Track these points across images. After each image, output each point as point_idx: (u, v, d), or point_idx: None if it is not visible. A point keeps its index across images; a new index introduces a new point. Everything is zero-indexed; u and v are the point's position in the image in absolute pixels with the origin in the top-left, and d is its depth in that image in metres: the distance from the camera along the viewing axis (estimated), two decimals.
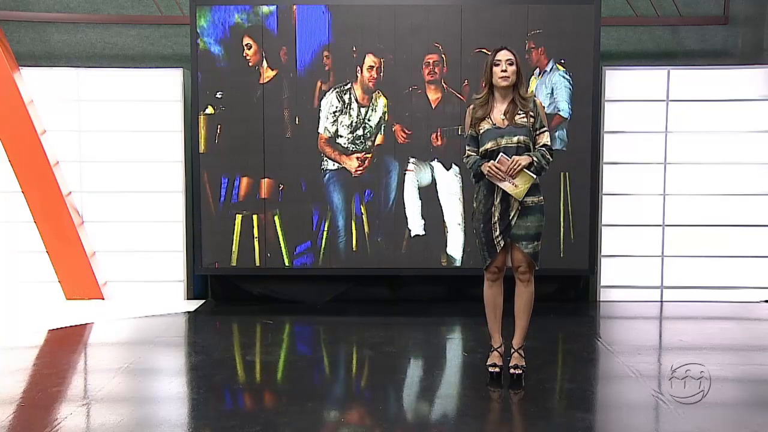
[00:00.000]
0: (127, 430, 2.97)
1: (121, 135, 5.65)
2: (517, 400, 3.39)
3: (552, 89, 5.29)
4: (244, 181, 5.41)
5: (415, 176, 5.40)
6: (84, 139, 5.66)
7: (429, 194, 5.42)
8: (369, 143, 5.37)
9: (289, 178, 5.40)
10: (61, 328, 4.84)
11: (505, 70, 3.45)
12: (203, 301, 5.74)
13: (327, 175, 5.40)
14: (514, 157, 3.41)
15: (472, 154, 3.57)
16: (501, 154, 3.42)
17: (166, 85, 5.65)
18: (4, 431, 2.96)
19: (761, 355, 4.23)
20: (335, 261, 5.46)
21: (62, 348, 4.47)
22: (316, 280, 5.61)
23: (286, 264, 5.43)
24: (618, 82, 5.63)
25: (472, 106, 3.60)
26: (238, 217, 5.40)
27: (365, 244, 5.45)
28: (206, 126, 5.36)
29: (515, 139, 3.46)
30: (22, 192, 5.63)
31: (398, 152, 5.38)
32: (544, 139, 3.52)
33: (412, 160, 5.38)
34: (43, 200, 5.60)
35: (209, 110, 5.31)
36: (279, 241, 5.43)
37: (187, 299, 5.76)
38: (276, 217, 5.42)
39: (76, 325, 4.92)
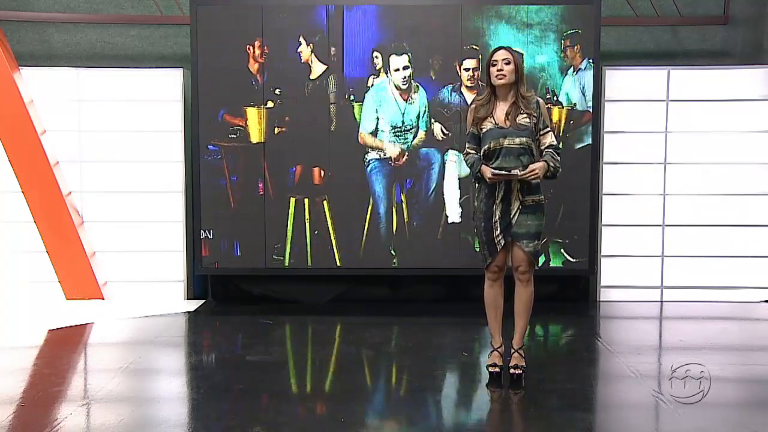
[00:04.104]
0: (127, 430, 2.97)
1: (121, 135, 5.65)
2: (517, 400, 3.39)
3: (583, 86, 5.31)
4: (299, 168, 5.45)
5: (457, 166, 5.41)
6: (84, 139, 5.66)
7: (468, 184, 5.40)
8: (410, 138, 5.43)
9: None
10: (61, 328, 4.84)
11: (501, 69, 3.47)
12: (203, 301, 5.74)
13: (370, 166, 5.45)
14: (531, 166, 3.42)
15: (472, 152, 3.60)
16: (492, 172, 3.43)
17: (166, 85, 5.65)
18: (4, 431, 2.96)
19: (761, 355, 4.23)
20: (338, 260, 5.46)
21: (62, 348, 4.47)
22: (317, 280, 5.62)
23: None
24: (618, 82, 5.62)
25: (473, 105, 3.62)
26: (292, 201, 5.46)
27: (404, 229, 5.47)
28: (267, 118, 5.40)
29: (518, 140, 3.47)
30: (22, 192, 5.63)
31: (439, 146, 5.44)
32: (549, 139, 3.53)
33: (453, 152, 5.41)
34: (43, 200, 5.60)
35: (270, 104, 5.38)
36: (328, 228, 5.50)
37: (187, 299, 5.76)
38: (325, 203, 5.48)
39: (76, 325, 4.91)
